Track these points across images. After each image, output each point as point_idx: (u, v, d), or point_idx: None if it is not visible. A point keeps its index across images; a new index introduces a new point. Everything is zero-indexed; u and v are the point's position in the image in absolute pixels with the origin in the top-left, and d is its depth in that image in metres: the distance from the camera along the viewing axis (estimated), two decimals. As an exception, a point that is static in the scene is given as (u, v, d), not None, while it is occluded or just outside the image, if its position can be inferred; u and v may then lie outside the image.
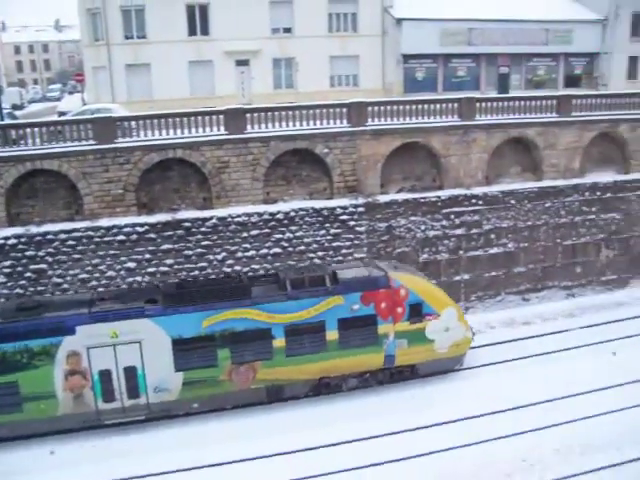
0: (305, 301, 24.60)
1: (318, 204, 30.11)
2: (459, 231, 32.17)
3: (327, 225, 29.98)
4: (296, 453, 22.29)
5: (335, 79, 46.15)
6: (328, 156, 30.30)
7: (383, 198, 31.03)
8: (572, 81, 52.19)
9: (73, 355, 22.97)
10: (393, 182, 32.13)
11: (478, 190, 32.60)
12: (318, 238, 29.94)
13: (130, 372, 23.48)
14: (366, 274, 25.81)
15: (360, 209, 30.40)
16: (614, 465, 21.22)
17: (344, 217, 30.18)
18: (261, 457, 22.09)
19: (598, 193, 35.13)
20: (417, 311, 25.79)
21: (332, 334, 24.95)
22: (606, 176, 35.99)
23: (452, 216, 31.95)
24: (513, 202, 33.11)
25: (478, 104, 33.15)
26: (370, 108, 31.24)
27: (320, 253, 29.98)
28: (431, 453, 21.95)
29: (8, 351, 22.45)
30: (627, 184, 36.00)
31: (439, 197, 31.79)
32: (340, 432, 23.13)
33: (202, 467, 21.73)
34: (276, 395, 25.29)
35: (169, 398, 24.06)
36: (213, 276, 28.37)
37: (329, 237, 30.09)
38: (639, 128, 36.55)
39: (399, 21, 45.65)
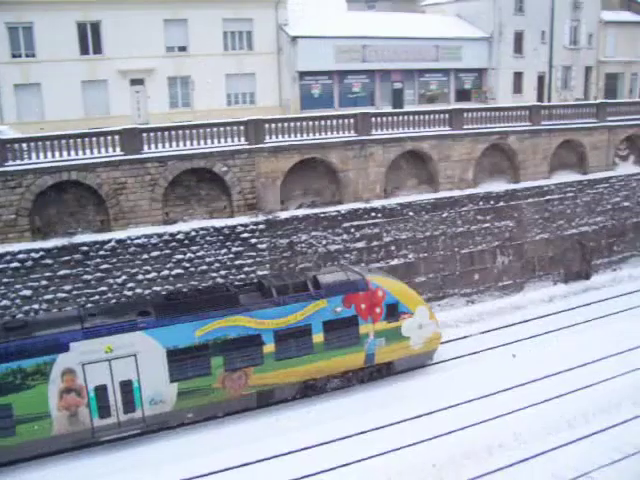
0: (291, 306, 25.63)
1: (218, 223, 29.89)
2: (360, 244, 32.66)
3: (228, 244, 29.79)
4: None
5: (232, 97, 46.00)
6: (227, 174, 30.18)
7: (284, 214, 31.16)
8: (463, 95, 54.11)
9: (68, 372, 22.67)
10: (293, 198, 32.32)
11: (377, 203, 33.23)
12: (220, 257, 29.69)
13: (126, 386, 23.48)
14: (345, 278, 27.08)
15: (261, 226, 30.38)
16: (519, 461, 21.99)
17: (245, 235, 30.08)
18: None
19: (492, 202, 36.46)
20: (393, 311, 27.42)
21: (318, 337, 26.12)
22: (498, 186, 37.47)
23: (352, 230, 32.42)
24: (411, 214, 33.91)
25: (374, 119, 33.87)
26: (267, 125, 31.37)
27: (222, 272, 29.74)
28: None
29: (0, 373, 21.83)
30: (518, 193, 37.56)
31: (339, 211, 32.20)
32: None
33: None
34: (266, 400, 25.99)
35: (164, 410, 24.20)
36: (185, 289, 28.52)
37: (231, 255, 29.90)
38: (526, 139, 38.27)
39: (294, 39, 46.05)
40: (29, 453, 22.69)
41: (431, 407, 25.48)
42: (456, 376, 28.26)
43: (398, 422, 24.55)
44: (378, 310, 27.05)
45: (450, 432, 23.73)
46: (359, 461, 22.11)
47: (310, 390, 26.82)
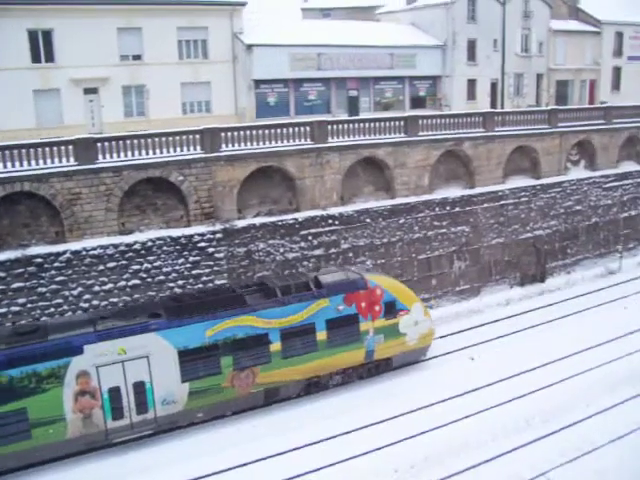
0: (295, 306, 26.39)
1: (175, 232, 29.68)
2: (318, 252, 32.74)
3: (185, 253, 29.60)
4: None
5: (187, 106, 45.71)
6: (183, 184, 30.01)
7: (241, 223, 31.09)
8: (418, 103, 54.65)
9: (82, 375, 22.92)
10: (250, 207, 32.28)
11: (334, 210, 33.38)
12: (177, 267, 29.47)
13: (139, 387, 23.82)
14: (345, 277, 28.09)
15: (218, 235, 30.27)
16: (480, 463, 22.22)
17: (202, 244, 29.93)
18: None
19: (447, 208, 36.90)
20: (391, 308, 28.40)
21: (321, 334, 26.93)
22: (454, 191, 37.93)
23: (310, 237, 32.49)
24: (368, 220, 34.13)
25: (330, 127, 34.05)
26: (223, 134, 31.31)
27: (180, 282, 29.51)
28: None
29: (15, 377, 21.96)
30: (473, 198, 38.07)
31: (296, 219, 32.26)
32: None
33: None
34: (272, 397, 26.78)
35: (176, 410, 24.65)
36: (185, 291, 29.18)
37: (188, 265, 29.71)
38: (481, 145, 38.83)
39: (249, 47, 46.04)
40: (44, 456, 22.84)
41: (393, 412, 25.62)
42: (417, 380, 28.53)
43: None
44: (377, 308, 28.02)
45: (411, 436, 23.98)
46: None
47: (314, 387, 27.67)
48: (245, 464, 22.65)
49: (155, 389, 24.00)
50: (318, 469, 22.08)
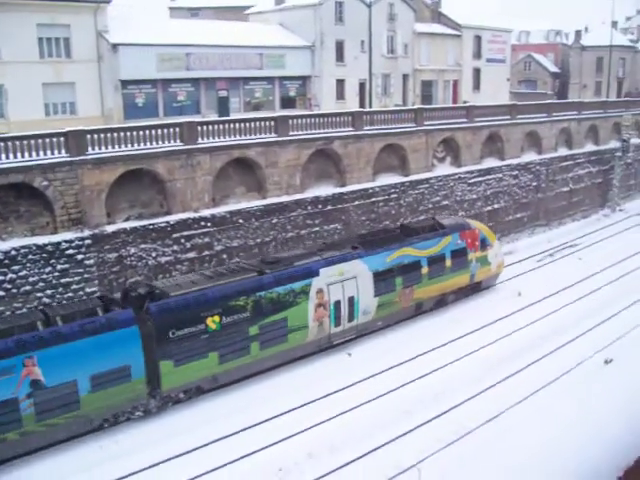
0: (434, 240, 35.21)
1: (41, 240, 28.31)
2: (191, 254, 32.35)
3: (53, 261, 28.37)
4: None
5: (50, 107, 43.89)
6: (48, 189, 28.78)
7: (111, 228, 30.17)
8: (288, 102, 55.15)
9: (319, 292, 29.79)
10: (120, 211, 31.44)
11: (206, 212, 33.08)
12: (45, 276, 28.17)
13: (350, 301, 31.06)
14: (457, 221, 38.63)
15: (87, 242, 29.25)
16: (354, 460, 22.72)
17: (71, 251, 28.80)
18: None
19: (320, 206, 37.45)
20: (484, 243, 37.91)
21: (448, 262, 35.66)
22: (325, 190, 38.50)
23: (183, 240, 32.05)
24: (241, 221, 34.09)
25: (200, 127, 33.72)
26: (90, 136, 30.24)
27: (49, 291, 28.22)
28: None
29: (281, 293, 28.36)
30: (344, 196, 38.83)
31: (168, 222, 31.70)
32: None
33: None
34: (419, 310, 34.98)
35: (368, 319, 32.17)
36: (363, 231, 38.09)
37: (57, 274, 28.48)
38: (350, 144, 39.65)
39: (115, 46, 44.87)
40: (293, 356, 29.53)
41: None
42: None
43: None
44: (477, 243, 37.30)
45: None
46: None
47: (439, 303, 35.99)
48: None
49: (359, 302, 31.28)
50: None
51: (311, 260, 30.11)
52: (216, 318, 26.22)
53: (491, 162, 50.37)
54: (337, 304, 30.29)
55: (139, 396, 24.84)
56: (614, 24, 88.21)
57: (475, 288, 37.95)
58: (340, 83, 57.67)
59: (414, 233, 34.72)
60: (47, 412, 22.53)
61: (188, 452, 23.19)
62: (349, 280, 30.71)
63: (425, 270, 34.19)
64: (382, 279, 32.05)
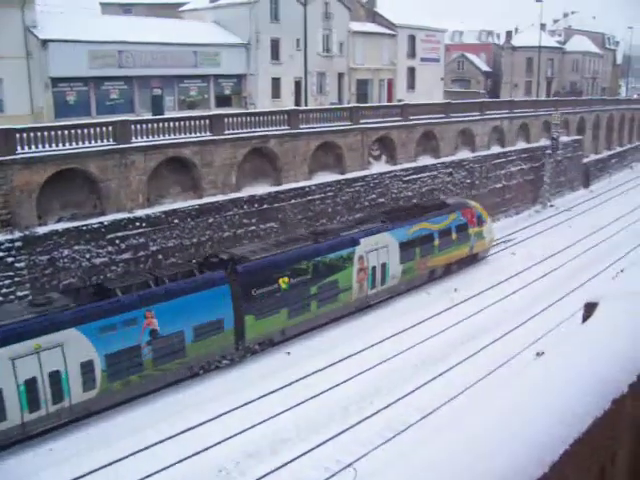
0: (443, 216, 41.28)
1: (-32, 242, 27.55)
2: (126, 255, 31.75)
3: (-19, 264, 27.56)
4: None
5: (-24, 105, 42.54)
6: (-26, 190, 27.92)
7: (42, 230, 29.36)
8: (223, 101, 54.63)
9: (360, 258, 34.94)
10: (52, 212, 30.67)
11: (141, 213, 32.55)
12: (-28, 279, 27.37)
13: (383, 267, 36.40)
14: (459, 200, 45.42)
15: (17, 244, 28.38)
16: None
17: (0, 254, 27.98)
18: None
19: (256, 205, 37.31)
20: (480, 220, 44.09)
21: (454, 235, 41.62)
22: (262, 189, 38.38)
23: (117, 241, 31.43)
24: (177, 221, 33.66)
25: (133, 126, 33.19)
26: (19, 135, 29.42)
27: (-24, 295, 27.43)
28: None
29: (333, 258, 33.40)
30: (281, 194, 38.79)
31: (102, 223, 31.04)
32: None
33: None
34: (430, 277, 40.98)
35: (395, 283, 37.69)
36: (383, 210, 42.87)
37: (-16, 277, 27.67)
38: (286, 142, 39.64)
39: (44, 43, 43.62)
40: (341, 314, 34.66)
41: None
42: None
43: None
44: (475, 219, 43.35)
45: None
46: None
47: (446, 272, 42.11)
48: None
49: (389, 268, 36.69)
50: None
51: (353, 232, 35.50)
52: (286, 279, 31.13)
53: (426, 160, 51.12)
54: (373, 269, 35.73)
55: (228, 346, 29.45)
56: (542, 26, 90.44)
57: (473, 259, 44.43)
58: (276, 81, 57.50)
59: (426, 211, 40.71)
60: (161, 358, 26.78)
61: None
62: (382, 249, 36.14)
63: (437, 242, 40.20)
64: (405, 249, 37.72)
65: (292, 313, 31.54)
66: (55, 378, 23.76)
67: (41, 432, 23.77)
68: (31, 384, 23.16)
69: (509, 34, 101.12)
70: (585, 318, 2.75)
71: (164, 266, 31.29)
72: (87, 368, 24.57)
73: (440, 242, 40.27)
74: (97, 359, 24.77)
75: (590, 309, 2.75)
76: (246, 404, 26.37)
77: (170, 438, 24.07)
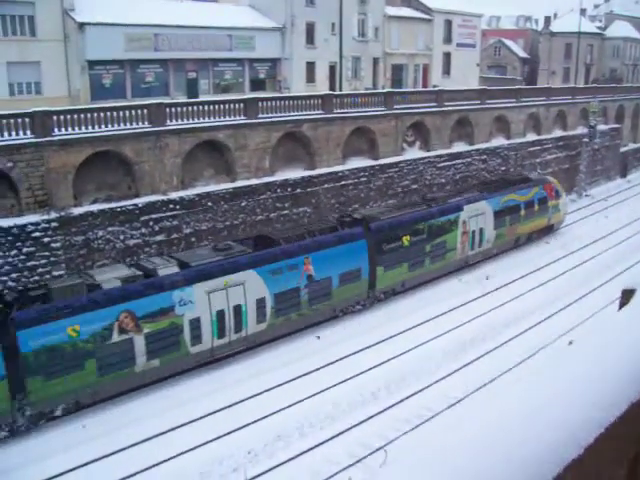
0: (527, 190, 45.72)
1: (6, 222, 27.81)
2: (160, 237, 32.06)
3: (18, 244, 27.89)
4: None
5: (15, 87, 42.94)
6: (13, 170, 28.33)
7: (77, 210, 29.79)
8: (257, 85, 54.62)
9: (463, 223, 39.70)
10: (87, 193, 31.07)
11: (175, 195, 32.80)
12: (10, 259, 27.69)
13: (481, 231, 41.21)
14: (539, 177, 49.88)
15: (54, 224, 28.83)
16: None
17: (37, 234, 28.36)
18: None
19: (289, 189, 37.34)
20: (557, 194, 48.73)
21: (536, 207, 46.09)
22: (295, 173, 38.38)
23: (151, 223, 31.75)
24: (210, 204, 33.85)
25: (168, 109, 33.39)
26: (56, 117, 29.84)
27: (14, 275, 27.78)
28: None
29: (443, 221, 38.26)
30: (314, 179, 38.75)
31: (136, 205, 31.37)
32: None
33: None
34: (516, 243, 45.59)
35: (489, 246, 42.60)
36: (475, 181, 48.53)
37: (22, 257, 28.01)
38: (320, 127, 39.55)
39: (82, 25, 43.98)
40: (445, 271, 39.56)
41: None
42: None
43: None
44: (553, 194, 47.83)
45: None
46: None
47: (527, 240, 46.80)
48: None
49: (486, 233, 41.48)
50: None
51: (457, 199, 40.06)
52: (407, 237, 35.82)
53: (460, 146, 50.67)
54: (473, 233, 40.40)
55: (362, 293, 34.04)
56: (582, 11, 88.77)
57: (550, 229, 48.92)
58: (310, 66, 57.29)
59: (513, 184, 45.14)
60: (314, 299, 31.48)
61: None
62: (480, 215, 40.73)
63: (523, 212, 44.57)
64: (498, 216, 42.26)
65: (411, 267, 36.42)
66: (237, 311, 28.50)
67: (225, 356, 28.71)
68: (220, 315, 27.95)
69: (547, 19, 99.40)
70: (622, 305, 2.72)
71: (312, 221, 36.46)
72: (260, 304, 29.29)
73: (525, 212, 44.80)
74: (268, 297, 29.49)
75: (627, 296, 2.72)
76: (273, 388, 26.57)
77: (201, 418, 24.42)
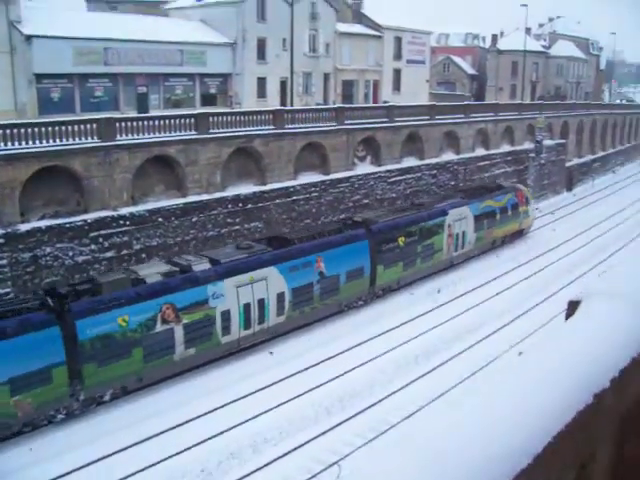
0: (502, 196, 48.99)
1: (-51, 239, 27.25)
2: (109, 254, 31.54)
3: (-38, 261, 27.28)
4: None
5: (-41, 100, 42.08)
6: (-44, 185, 27.64)
7: (24, 227, 29.11)
8: (209, 100, 54.47)
9: (449, 226, 42.43)
10: (35, 209, 30.42)
11: (125, 211, 32.35)
12: (-47, 276, 27.06)
13: (464, 234, 44.17)
14: (512, 185, 53.51)
15: (0, 241, 28.20)
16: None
17: (-19, 250, 27.74)
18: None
19: (240, 205, 37.23)
20: (527, 201, 52.24)
21: (509, 212, 49.31)
22: (246, 188, 38.30)
23: (101, 239, 31.22)
24: (161, 220, 33.50)
25: (118, 124, 33.03)
26: (2, 131, 29.22)
27: (-43, 292, 27.12)
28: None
29: (432, 224, 41.12)
30: (265, 194, 38.74)
31: (85, 221, 30.82)
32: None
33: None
34: (493, 246, 49.00)
35: (470, 248, 45.66)
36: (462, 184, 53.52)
37: (-34, 273, 27.39)
38: (271, 142, 39.59)
39: (29, 38, 43.25)
40: (433, 271, 42.41)
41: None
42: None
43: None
44: (523, 200, 51.34)
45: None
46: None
47: (502, 243, 49.93)
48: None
49: (467, 236, 44.31)
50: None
51: (443, 204, 43.25)
52: (402, 238, 38.64)
53: (411, 161, 51.24)
54: (457, 235, 43.31)
55: (365, 289, 36.73)
56: (528, 30, 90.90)
57: (520, 233, 52.18)
58: (261, 81, 57.40)
59: (490, 191, 48.94)
60: (325, 294, 34.10)
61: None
62: (463, 219, 43.73)
63: (498, 217, 47.82)
64: (478, 220, 45.33)
65: (405, 266, 39.23)
66: (261, 304, 30.79)
67: (249, 346, 31.02)
68: (247, 307, 30.18)
69: (495, 37, 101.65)
70: (568, 316, 2.79)
71: (321, 223, 40.34)
72: (280, 298, 31.68)
73: (500, 217, 48.03)
74: (287, 291, 31.93)
75: (573, 307, 2.78)
76: (227, 404, 26.33)
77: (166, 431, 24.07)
